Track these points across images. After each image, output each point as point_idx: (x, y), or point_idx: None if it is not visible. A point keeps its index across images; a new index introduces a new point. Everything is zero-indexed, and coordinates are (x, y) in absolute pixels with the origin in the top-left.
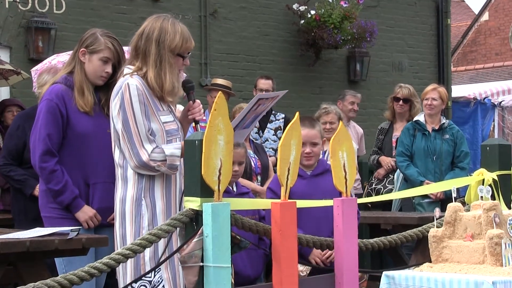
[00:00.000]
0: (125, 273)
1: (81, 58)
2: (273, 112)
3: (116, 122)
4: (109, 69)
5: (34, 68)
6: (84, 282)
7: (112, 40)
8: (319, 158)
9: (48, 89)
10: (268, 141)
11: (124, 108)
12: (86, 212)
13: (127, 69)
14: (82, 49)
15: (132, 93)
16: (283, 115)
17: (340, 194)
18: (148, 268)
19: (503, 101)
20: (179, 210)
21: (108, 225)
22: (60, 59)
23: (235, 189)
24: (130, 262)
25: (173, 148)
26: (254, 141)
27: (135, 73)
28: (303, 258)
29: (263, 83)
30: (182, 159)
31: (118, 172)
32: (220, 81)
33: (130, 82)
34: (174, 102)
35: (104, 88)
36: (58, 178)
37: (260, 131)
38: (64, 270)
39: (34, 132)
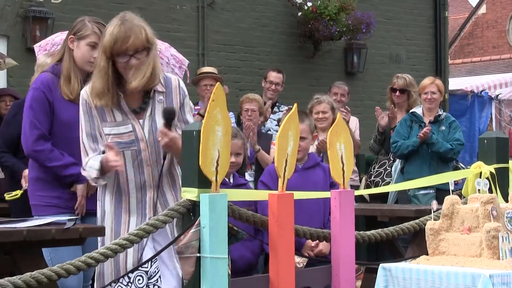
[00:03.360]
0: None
1: (70, 45)
2: (277, 104)
3: None
4: (96, 54)
5: (37, 44)
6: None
7: (100, 26)
8: (310, 152)
9: (36, 78)
10: (270, 131)
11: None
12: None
13: None
14: (70, 36)
15: (81, 104)
16: (287, 107)
17: (331, 186)
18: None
19: (500, 94)
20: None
21: (95, 214)
22: (63, 37)
23: (231, 180)
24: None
25: (95, 160)
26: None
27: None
28: (295, 250)
29: (274, 76)
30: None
31: None
32: (205, 69)
33: (82, 92)
34: (107, 105)
35: None
36: (59, 155)
37: (265, 122)
38: (50, 257)
39: (24, 120)
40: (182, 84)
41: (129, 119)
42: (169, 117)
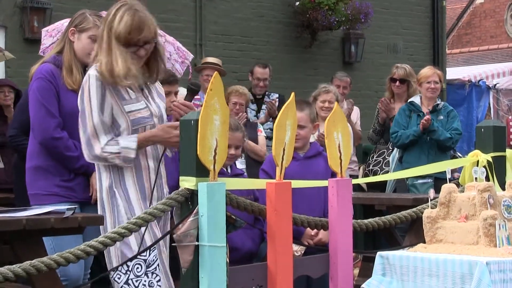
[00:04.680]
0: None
1: (71, 37)
2: (267, 93)
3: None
4: None
5: (44, 29)
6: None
7: (100, 18)
8: (312, 141)
9: (38, 68)
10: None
11: (83, 100)
12: None
13: None
14: (71, 29)
15: (91, 85)
16: (277, 95)
17: (332, 175)
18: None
19: (497, 83)
20: (154, 194)
21: (92, 204)
22: None
23: (229, 171)
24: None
25: (129, 141)
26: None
27: (95, 61)
28: (295, 239)
29: (261, 73)
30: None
31: None
32: (210, 59)
33: (91, 73)
34: (135, 84)
35: None
36: (73, 145)
37: (258, 114)
38: (52, 246)
39: (36, 109)
40: None
41: (140, 96)
42: (196, 89)
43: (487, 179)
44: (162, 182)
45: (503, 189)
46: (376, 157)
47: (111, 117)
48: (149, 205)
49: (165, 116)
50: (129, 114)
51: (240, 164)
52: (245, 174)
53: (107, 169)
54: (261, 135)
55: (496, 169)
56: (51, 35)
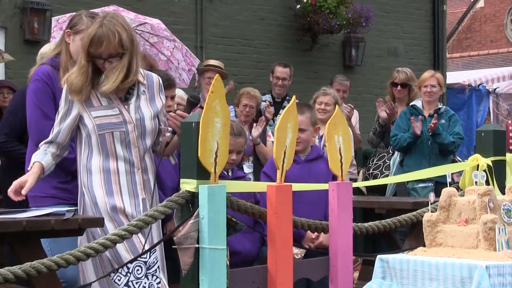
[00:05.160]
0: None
1: (66, 39)
2: (287, 98)
3: None
4: None
5: (55, 18)
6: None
7: None
8: (313, 145)
9: (35, 70)
10: None
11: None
12: None
13: None
14: (67, 30)
15: (64, 89)
16: (297, 101)
17: (333, 179)
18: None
19: (497, 88)
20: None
21: None
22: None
23: (230, 173)
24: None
25: (32, 160)
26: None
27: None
28: (296, 242)
29: (281, 71)
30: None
31: None
32: (212, 61)
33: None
34: (81, 99)
35: None
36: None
37: (275, 117)
38: (49, 248)
39: (33, 110)
40: (161, 83)
41: (114, 104)
42: (194, 102)
43: (487, 183)
44: (150, 185)
45: (503, 193)
46: (376, 161)
47: (75, 119)
48: (123, 206)
49: (148, 126)
50: (96, 119)
51: (247, 168)
52: (248, 177)
53: (79, 173)
54: (270, 140)
55: (496, 173)
56: (61, 27)
